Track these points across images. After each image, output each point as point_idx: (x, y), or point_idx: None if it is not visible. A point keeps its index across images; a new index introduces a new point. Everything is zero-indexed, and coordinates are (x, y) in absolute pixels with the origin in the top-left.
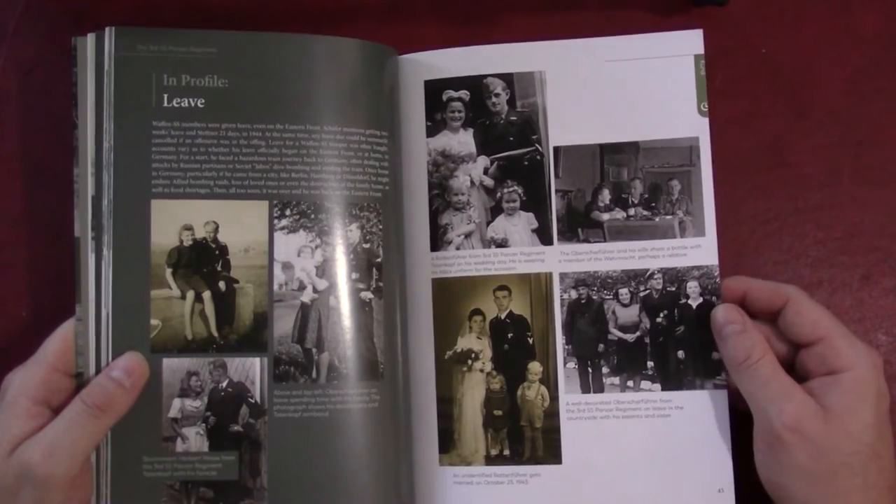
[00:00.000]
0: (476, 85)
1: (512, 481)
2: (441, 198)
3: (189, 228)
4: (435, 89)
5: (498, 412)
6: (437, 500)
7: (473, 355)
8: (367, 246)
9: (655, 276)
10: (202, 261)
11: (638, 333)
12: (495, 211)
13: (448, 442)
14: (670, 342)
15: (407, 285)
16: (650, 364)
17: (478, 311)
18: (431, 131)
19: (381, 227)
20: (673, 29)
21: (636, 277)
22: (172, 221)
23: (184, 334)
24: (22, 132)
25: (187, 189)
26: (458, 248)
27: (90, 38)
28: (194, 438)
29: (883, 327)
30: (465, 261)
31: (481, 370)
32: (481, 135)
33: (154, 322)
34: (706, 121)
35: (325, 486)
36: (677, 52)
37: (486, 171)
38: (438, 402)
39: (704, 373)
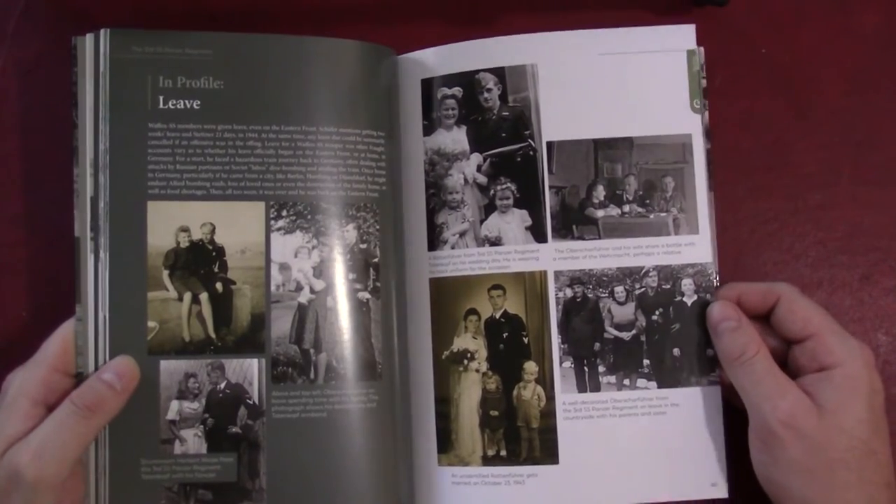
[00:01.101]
0: (469, 81)
1: (509, 482)
2: (437, 197)
3: (185, 230)
4: (430, 87)
5: (494, 412)
6: (436, 501)
7: (469, 355)
8: (363, 246)
9: (650, 274)
10: (199, 262)
11: (634, 331)
12: (489, 209)
13: (446, 442)
14: (666, 340)
15: (405, 285)
16: (646, 362)
17: (473, 311)
18: (427, 130)
19: (377, 227)
20: None
21: (631, 275)
22: (169, 223)
23: (181, 336)
24: (22, 132)
25: (183, 190)
26: (453, 248)
27: (89, 39)
28: (192, 440)
29: (883, 327)
30: (459, 260)
31: (477, 370)
32: (474, 132)
33: (151, 324)
34: (699, 118)
35: (324, 487)
36: (669, 46)
37: (479, 169)
38: (437, 402)
39: (699, 370)
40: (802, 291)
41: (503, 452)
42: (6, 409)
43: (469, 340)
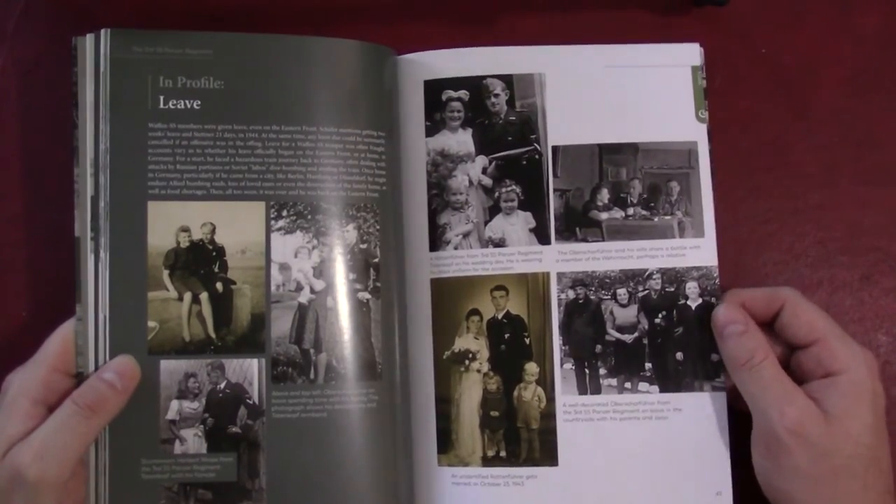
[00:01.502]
0: (475, 85)
1: (508, 483)
2: (440, 198)
3: (186, 230)
4: (434, 89)
5: (494, 413)
6: (436, 501)
7: (471, 355)
8: (364, 246)
9: (654, 277)
10: (199, 262)
11: (636, 334)
12: (493, 210)
13: (446, 442)
14: (669, 343)
15: (406, 285)
16: (648, 365)
17: (475, 311)
18: (430, 131)
19: (378, 227)
20: (673, 29)
21: (634, 277)
22: (169, 223)
23: (181, 336)
24: (22, 132)
25: (184, 190)
26: (456, 248)
27: (89, 39)
28: (192, 440)
29: (883, 327)
30: (462, 261)
31: (478, 370)
32: (480, 134)
33: (151, 324)
34: (704, 127)
35: (324, 487)
36: (675, 62)
37: (484, 171)
38: (437, 402)
39: (703, 374)
40: (803, 292)
41: (503, 453)
42: (6, 410)
43: (471, 341)
